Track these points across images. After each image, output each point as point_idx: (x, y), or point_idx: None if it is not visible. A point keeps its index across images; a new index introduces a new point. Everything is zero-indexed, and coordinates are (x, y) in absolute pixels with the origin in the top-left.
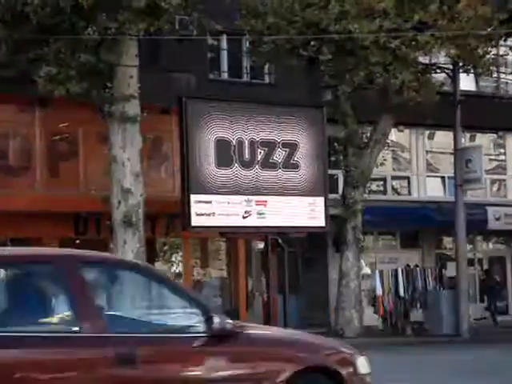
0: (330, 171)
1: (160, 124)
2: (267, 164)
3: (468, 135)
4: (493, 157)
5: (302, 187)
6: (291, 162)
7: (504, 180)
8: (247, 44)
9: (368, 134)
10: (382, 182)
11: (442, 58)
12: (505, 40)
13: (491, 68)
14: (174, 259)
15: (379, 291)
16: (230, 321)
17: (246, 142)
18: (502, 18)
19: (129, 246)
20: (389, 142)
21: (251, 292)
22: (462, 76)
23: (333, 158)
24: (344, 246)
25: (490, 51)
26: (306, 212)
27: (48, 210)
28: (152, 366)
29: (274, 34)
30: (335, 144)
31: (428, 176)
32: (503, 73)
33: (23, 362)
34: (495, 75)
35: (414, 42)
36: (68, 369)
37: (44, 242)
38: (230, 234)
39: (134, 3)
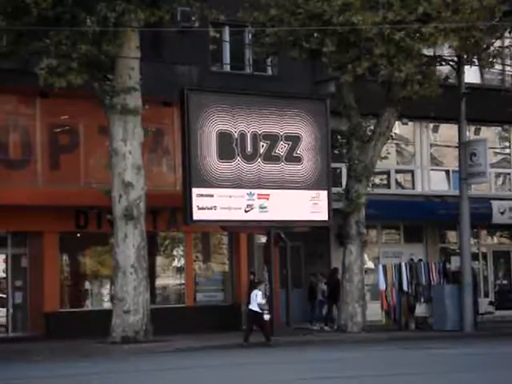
0: (334, 164)
1: (161, 116)
2: (270, 157)
3: (473, 128)
4: (498, 150)
5: (305, 180)
6: (294, 155)
7: (509, 174)
8: (249, 36)
9: (372, 127)
10: (385, 176)
11: (446, 51)
12: (510, 32)
13: (495, 60)
14: (175, 253)
15: (382, 286)
16: None
17: (249, 134)
18: (505, 9)
19: (130, 240)
20: (392, 134)
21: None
22: (467, 68)
23: (336, 151)
24: (347, 240)
25: (494, 43)
26: (308, 206)
27: (49, 204)
28: None
29: (276, 25)
30: (338, 137)
31: (432, 169)
32: (508, 65)
33: None
34: (500, 67)
35: (418, 34)
36: None
37: (45, 235)
38: (231, 228)
39: None
